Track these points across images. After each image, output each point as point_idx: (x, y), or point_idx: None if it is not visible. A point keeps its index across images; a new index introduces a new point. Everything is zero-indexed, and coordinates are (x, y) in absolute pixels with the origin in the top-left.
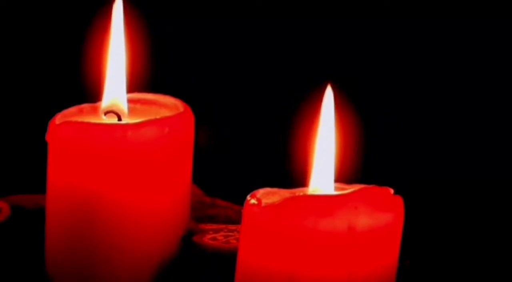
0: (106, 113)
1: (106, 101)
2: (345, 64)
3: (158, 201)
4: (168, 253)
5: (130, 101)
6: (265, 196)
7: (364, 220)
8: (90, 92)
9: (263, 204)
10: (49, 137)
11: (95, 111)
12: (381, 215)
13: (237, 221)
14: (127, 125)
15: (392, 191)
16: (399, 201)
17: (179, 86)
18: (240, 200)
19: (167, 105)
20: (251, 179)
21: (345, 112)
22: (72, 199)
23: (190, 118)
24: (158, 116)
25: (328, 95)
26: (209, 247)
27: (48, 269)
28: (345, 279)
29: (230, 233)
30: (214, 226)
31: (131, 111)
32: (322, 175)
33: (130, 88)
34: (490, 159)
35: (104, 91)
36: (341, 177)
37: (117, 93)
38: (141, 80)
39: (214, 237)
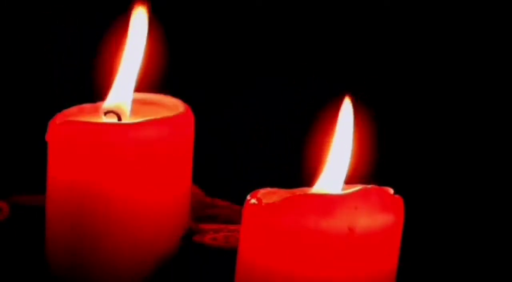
0: (106, 113)
1: (110, 101)
2: (344, 64)
3: (158, 201)
4: (168, 252)
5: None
6: (265, 196)
7: (364, 220)
8: (90, 92)
9: (263, 204)
10: (49, 137)
11: (95, 111)
12: (381, 215)
13: (237, 221)
14: (127, 125)
15: (392, 191)
16: (399, 201)
17: (179, 86)
18: (240, 200)
19: (167, 105)
20: (251, 179)
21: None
22: (72, 199)
23: (190, 118)
24: (158, 116)
25: (346, 106)
26: (209, 247)
27: (48, 267)
28: (345, 279)
29: (230, 233)
30: (214, 226)
31: (131, 111)
32: (333, 176)
33: None
34: (490, 159)
35: (110, 91)
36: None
37: (123, 95)
38: (142, 80)
39: (214, 237)
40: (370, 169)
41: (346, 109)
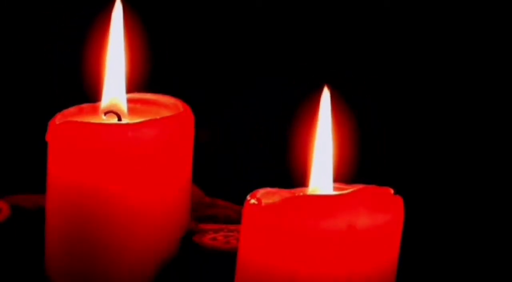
0: (106, 113)
1: (105, 101)
2: (345, 64)
3: (158, 201)
4: (168, 252)
5: (130, 101)
6: (265, 196)
7: (364, 220)
8: (90, 92)
9: (263, 204)
10: (49, 137)
11: (95, 111)
12: (381, 215)
13: (237, 221)
14: (127, 125)
15: (392, 191)
16: (399, 201)
17: (179, 86)
18: (240, 200)
19: (167, 105)
20: (251, 179)
21: (344, 113)
22: (72, 199)
23: (190, 118)
24: (158, 116)
25: (325, 96)
26: (209, 247)
27: (47, 269)
28: (345, 279)
29: (230, 233)
30: (214, 226)
31: (131, 111)
32: (321, 175)
33: (130, 88)
34: (490, 159)
35: (103, 91)
36: (341, 177)
37: (116, 93)
38: (141, 80)
39: (214, 237)
40: (369, 168)
41: (325, 103)
